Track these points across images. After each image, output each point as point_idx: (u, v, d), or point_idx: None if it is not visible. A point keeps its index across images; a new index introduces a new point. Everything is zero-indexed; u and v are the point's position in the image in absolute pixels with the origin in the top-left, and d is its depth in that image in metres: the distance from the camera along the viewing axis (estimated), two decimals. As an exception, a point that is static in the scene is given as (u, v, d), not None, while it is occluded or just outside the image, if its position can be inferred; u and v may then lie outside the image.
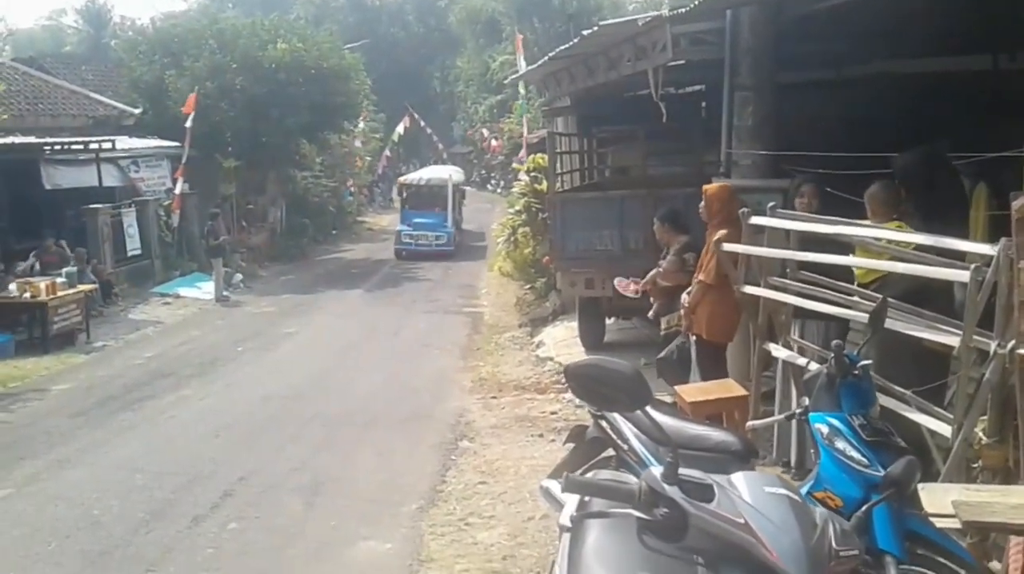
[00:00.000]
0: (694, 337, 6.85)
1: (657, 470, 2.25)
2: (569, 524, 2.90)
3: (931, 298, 4.51)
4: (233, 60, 23.21)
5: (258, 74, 23.15)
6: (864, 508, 3.31)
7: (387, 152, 42.55)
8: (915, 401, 4.39)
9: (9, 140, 16.49)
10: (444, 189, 25.58)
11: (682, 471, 2.24)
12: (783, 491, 2.29)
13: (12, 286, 13.70)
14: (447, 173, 27.33)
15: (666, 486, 2.20)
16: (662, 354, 7.21)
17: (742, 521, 2.15)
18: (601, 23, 9.12)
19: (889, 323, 4.17)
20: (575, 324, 11.56)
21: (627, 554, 2.39)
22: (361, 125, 35.29)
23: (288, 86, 23.34)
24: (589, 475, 2.95)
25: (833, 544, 2.22)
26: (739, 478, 2.34)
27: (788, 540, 2.14)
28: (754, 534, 2.13)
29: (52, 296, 13.46)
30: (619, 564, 2.42)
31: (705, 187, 7.02)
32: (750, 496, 2.24)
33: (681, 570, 2.25)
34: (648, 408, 2.68)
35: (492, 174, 43.66)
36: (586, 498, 2.66)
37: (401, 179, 28.37)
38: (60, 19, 67.15)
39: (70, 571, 5.59)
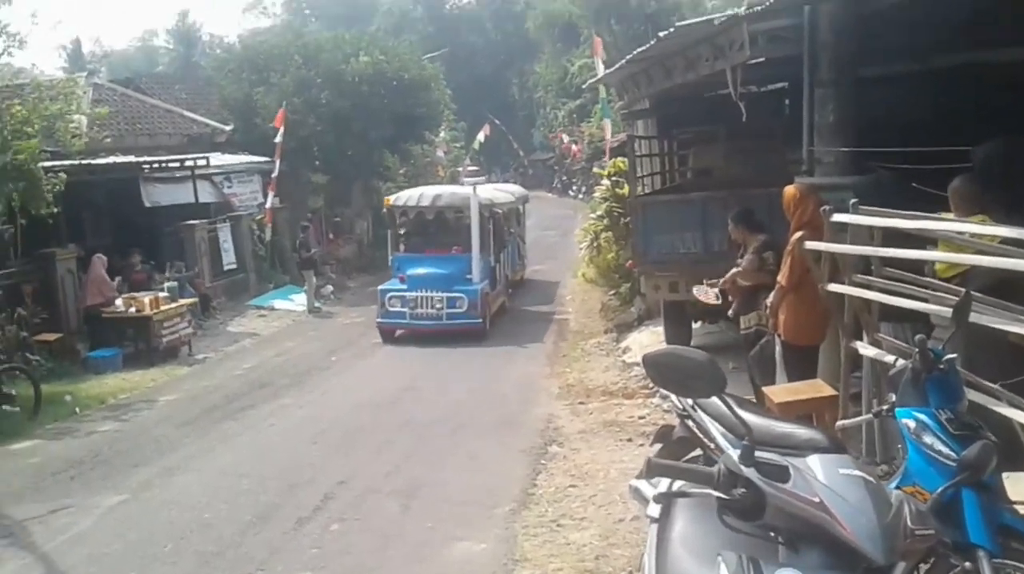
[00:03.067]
0: (779, 338, 6.86)
1: (735, 453, 2.36)
2: (656, 516, 3.04)
3: (1017, 291, 4.46)
4: (318, 75, 23.91)
5: (342, 88, 23.75)
6: (940, 490, 3.34)
7: (467, 161, 42.96)
8: (1006, 396, 4.35)
9: (110, 160, 17.33)
10: (464, 217, 15.54)
11: (758, 454, 2.35)
12: (857, 473, 2.37)
13: (118, 301, 14.39)
14: (469, 188, 15.99)
15: (743, 467, 2.31)
16: (752, 352, 7.25)
17: (817, 500, 2.25)
18: (677, 24, 9.14)
19: (975, 317, 4.15)
20: (661, 329, 11.56)
21: (710, 537, 2.52)
22: (442, 134, 35.75)
23: (371, 98, 23.88)
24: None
25: (908, 523, 2.30)
26: (814, 460, 2.44)
27: (863, 518, 2.22)
28: (829, 512, 2.22)
29: (156, 310, 14.11)
30: (703, 547, 2.55)
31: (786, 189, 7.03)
32: (825, 477, 2.34)
33: (761, 548, 2.36)
34: (731, 402, 2.79)
35: (573, 180, 43.65)
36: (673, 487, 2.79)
37: (390, 199, 16.51)
38: (152, 40, 70.02)
39: (187, 570, 5.93)
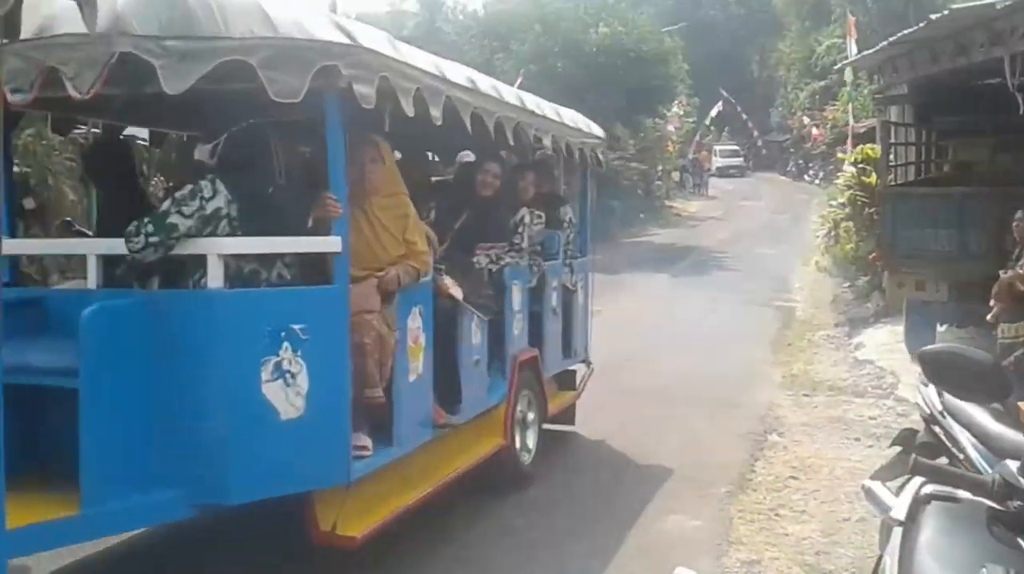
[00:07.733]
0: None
1: (1014, 464, 2.24)
2: (902, 518, 2.92)
3: None
4: (556, 44, 24.22)
5: (579, 59, 23.98)
6: None
7: (697, 137, 42.16)
8: None
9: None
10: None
11: None
12: None
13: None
14: None
15: (1022, 479, 2.18)
16: (1004, 362, 6.74)
17: None
18: (952, 7, 8.58)
19: None
20: (900, 328, 10.95)
21: (965, 548, 2.38)
22: (675, 109, 35.26)
23: (606, 69, 23.90)
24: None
25: None
26: None
27: None
28: None
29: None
30: (957, 557, 2.41)
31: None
32: None
33: None
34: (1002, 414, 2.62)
35: (811, 164, 41.83)
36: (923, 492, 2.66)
37: None
38: (401, 5, 73.54)
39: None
